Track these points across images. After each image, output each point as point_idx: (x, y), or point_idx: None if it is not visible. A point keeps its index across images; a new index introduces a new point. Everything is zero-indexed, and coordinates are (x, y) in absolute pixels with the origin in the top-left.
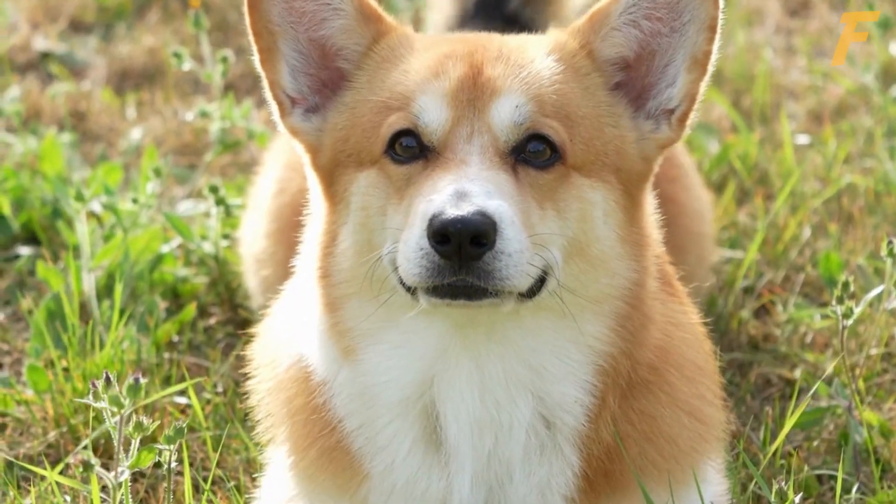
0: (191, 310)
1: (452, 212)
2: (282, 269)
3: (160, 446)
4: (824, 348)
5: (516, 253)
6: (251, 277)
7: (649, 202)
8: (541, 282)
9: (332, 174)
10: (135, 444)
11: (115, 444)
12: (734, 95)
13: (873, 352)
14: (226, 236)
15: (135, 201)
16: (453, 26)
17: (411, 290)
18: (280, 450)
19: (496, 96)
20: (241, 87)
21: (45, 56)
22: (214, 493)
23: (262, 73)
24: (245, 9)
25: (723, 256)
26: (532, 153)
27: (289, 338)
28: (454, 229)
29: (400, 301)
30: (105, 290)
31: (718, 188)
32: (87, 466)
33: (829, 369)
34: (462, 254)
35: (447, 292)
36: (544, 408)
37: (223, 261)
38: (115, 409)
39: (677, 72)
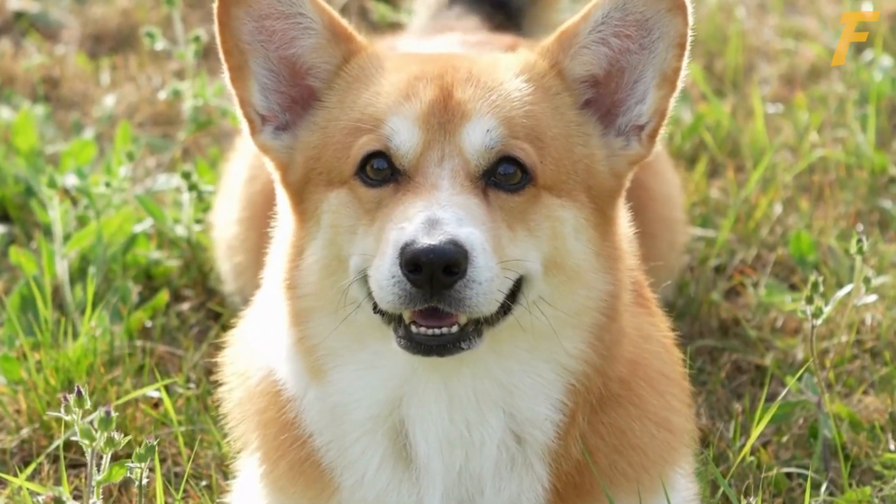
0: (163, 296)
1: (424, 241)
2: (254, 255)
3: (131, 465)
4: (795, 333)
5: (486, 281)
6: (224, 263)
7: (622, 216)
8: (507, 308)
9: (303, 192)
10: (106, 458)
11: (88, 460)
12: (707, 58)
13: (843, 339)
14: (198, 221)
15: (108, 185)
16: (442, 7)
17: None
18: (252, 458)
19: (467, 120)
20: (215, 55)
21: (19, 16)
22: (187, 492)
23: (233, 91)
24: (216, 28)
25: (694, 235)
26: (503, 176)
27: (260, 348)
28: (426, 259)
29: (367, 321)
30: (78, 273)
31: (690, 161)
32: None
33: (800, 356)
34: (434, 282)
35: None
36: (515, 424)
37: (196, 244)
38: (87, 443)
39: (647, 88)
